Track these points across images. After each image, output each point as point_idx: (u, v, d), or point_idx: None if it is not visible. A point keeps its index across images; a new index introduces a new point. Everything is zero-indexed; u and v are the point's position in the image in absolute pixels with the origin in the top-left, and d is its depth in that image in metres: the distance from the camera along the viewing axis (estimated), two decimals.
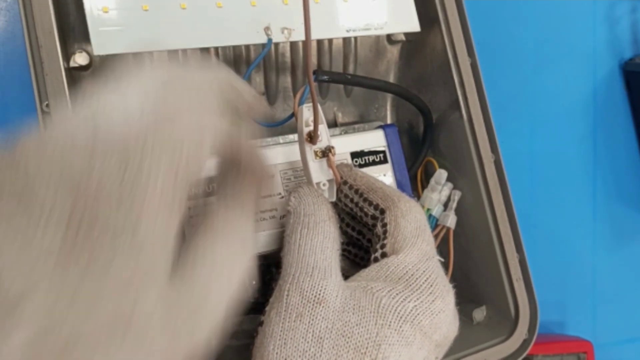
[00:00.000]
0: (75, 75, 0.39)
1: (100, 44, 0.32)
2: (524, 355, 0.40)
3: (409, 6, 0.40)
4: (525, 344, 0.40)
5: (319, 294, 0.24)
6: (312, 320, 0.23)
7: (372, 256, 0.27)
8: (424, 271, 0.25)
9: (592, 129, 0.60)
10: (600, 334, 0.59)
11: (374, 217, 0.29)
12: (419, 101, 0.43)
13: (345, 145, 0.39)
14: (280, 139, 0.42)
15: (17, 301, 0.15)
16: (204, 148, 0.19)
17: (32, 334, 0.15)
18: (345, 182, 0.31)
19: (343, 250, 0.32)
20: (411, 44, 0.47)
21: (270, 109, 0.28)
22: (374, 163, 0.40)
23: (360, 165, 0.39)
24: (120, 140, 0.17)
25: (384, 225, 0.28)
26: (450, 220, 0.42)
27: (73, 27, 0.37)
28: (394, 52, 0.48)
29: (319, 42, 0.44)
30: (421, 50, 0.45)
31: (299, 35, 0.36)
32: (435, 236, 0.42)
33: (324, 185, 0.32)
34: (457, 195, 0.42)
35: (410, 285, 0.25)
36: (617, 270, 0.60)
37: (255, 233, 0.23)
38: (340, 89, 0.47)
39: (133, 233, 0.17)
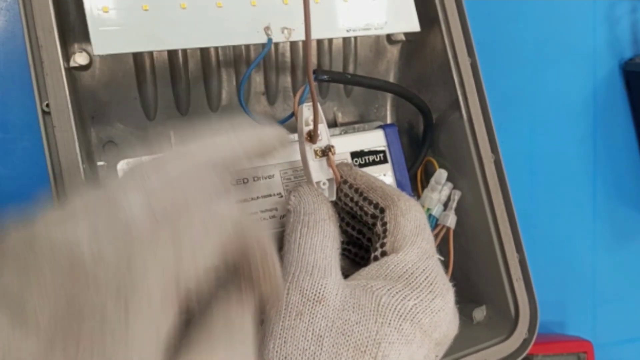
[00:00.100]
0: (75, 75, 0.39)
1: (100, 43, 0.32)
2: (524, 355, 0.40)
3: (409, 6, 0.40)
4: (525, 343, 0.40)
5: (319, 293, 0.24)
6: (312, 318, 0.23)
7: (372, 255, 0.27)
8: (423, 270, 0.25)
9: (592, 129, 0.60)
10: (600, 334, 0.59)
11: (373, 216, 0.29)
12: (419, 101, 0.43)
13: (345, 145, 0.39)
14: None
15: None
16: (206, 249, 0.18)
17: None
18: (345, 181, 0.31)
19: (343, 249, 0.32)
20: (411, 44, 0.47)
21: (288, 139, 0.27)
22: (374, 163, 0.40)
23: (360, 165, 0.39)
24: (119, 239, 0.17)
25: (384, 224, 0.28)
26: (450, 220, 0.42)
27: (73, 27, 0.37)
28: (394, 52, 0.48)
29: (319, 42, 0.44)
30: (421, 50, 0.45)
31: (299, 35, 0.36)
32: (435, 236, 0.42)
33: (323, 184, 0.32)
34: (457, 195, 0.42)
35: (410, 284, 0.25)
36: (617, 270, 0.60)
37: (257, 332, 0.22)
38: (340, 88, 0.47)
39: (124, 328, 0.16)
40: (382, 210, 0.28)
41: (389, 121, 0.49)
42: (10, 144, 0.41)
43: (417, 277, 0.25)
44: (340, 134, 0.42)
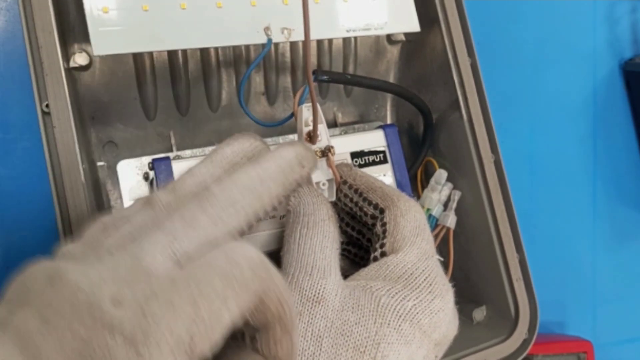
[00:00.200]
0: (75, 76, 0.39)
1: (100, 44, 0.32)
2: (524, 355, 0.40)
3: (409, 6, 0.40)
4: (525, 343, 0.40)
5: (318, 293, 0.24)
6: (311, 319, 0.23)
7: (372, 255, 0.27)
8: (423, 270, 0.25)
9: (592, 129, 0.60)
10: (600, 334, 0.59)
11: (373, 217, 0.29)
12: (419, 101, 0.43)
13: (345, 145, 0.39)
14: (280, 139, 0.42)
15: None
16: (225, 316, 0.18)
17: None
18: (344, 182, 0.31)
19: (343, 249, 0.32)
20: (411, 44, 0.47)
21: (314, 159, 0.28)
22: (374, 163, 0.40)
23: (360, 165, 0.39)
24: (139, 283, 0.18)
25: (384, 224, 0.28)
26: (450, 220, 0.42)
27: (73, 27, 0.37)
28: (394, 52, 0.48)
29: (319, 42, 0.44)
30: (421, 50, 0.45)
31: (299, 35, 0.36)
32: (435, 236, 0.42)
33: (323, 184, 0.32)
34: (457, 195, 0.42)
35: (409, 284, 0.25)
36: (617, 270, 0.60)
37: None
38: (340, 89, 0.47)
39: None
40: (382, 211, 0.28)
41: (389, 121, 0.49)
42: (10, 144, 0.41)
43: (416, 277, 0.25)
44: (340, 134, 0.42)
